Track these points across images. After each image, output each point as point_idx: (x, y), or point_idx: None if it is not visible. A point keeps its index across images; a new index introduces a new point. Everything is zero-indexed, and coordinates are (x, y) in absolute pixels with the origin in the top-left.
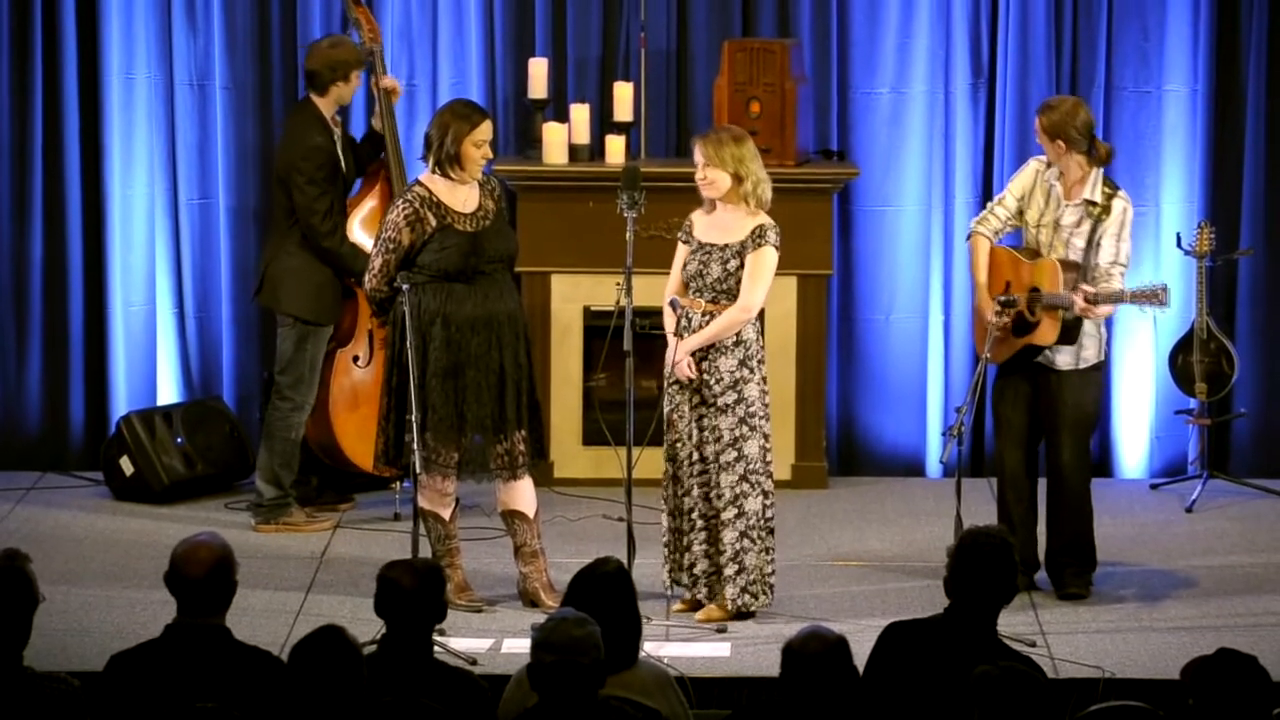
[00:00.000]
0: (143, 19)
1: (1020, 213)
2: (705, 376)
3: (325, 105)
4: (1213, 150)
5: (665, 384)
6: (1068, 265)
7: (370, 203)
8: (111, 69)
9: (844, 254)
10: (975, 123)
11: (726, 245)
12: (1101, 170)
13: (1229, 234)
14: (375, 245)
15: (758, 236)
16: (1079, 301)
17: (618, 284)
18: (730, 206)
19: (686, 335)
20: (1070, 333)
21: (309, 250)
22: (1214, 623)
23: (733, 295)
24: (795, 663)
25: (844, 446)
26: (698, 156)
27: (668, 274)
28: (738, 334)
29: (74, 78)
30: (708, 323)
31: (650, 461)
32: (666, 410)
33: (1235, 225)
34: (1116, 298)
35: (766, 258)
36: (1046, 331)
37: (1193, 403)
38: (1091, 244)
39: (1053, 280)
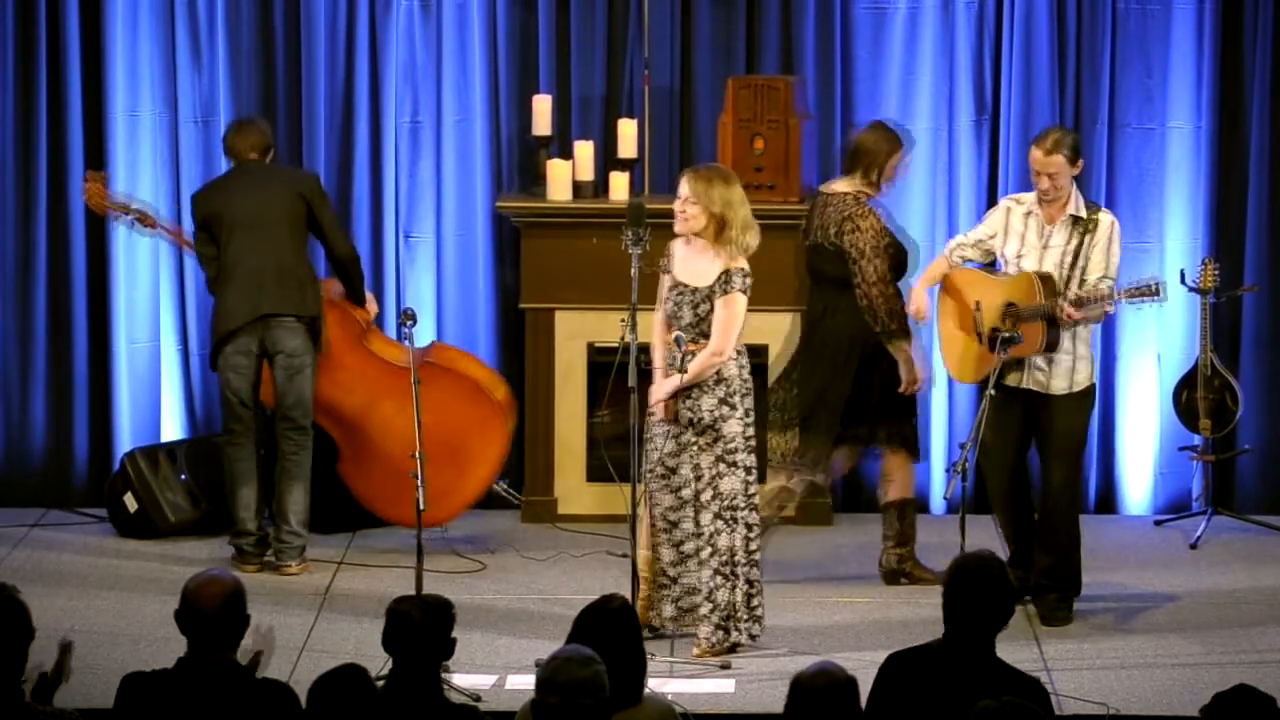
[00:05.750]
0: (147, 56)
1: (978, 245)
2: (689, 414)
3: None
4: (1216, 187)
5: (654, 426)
6: (1044, 277)
7: None
8: (116, 106)
9: None
10: (979, 159)
11: (696, 289)
12: (1076, 190)
13: (1233, 270)
14: (869, 257)
15: (725, 282)
16: (1064, 305)
17: (622, 320)
18: (704, 245)
19: (673, 373)
20: (1054, 341)
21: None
22: (1219, 659)
23: (708, 336)
24: (801, 697)
25: (849, 483)
26: (684, 189)
27: None
28: (719, 372)
29: (79, 114)
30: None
31: None
32: (649, 447)
33: (1239, 261)
34: (1106, 297)
35: (736, 303)
36: (1031, 342)
37: (1197, 439)
38: (1078, 258)
39: (1029, 293)
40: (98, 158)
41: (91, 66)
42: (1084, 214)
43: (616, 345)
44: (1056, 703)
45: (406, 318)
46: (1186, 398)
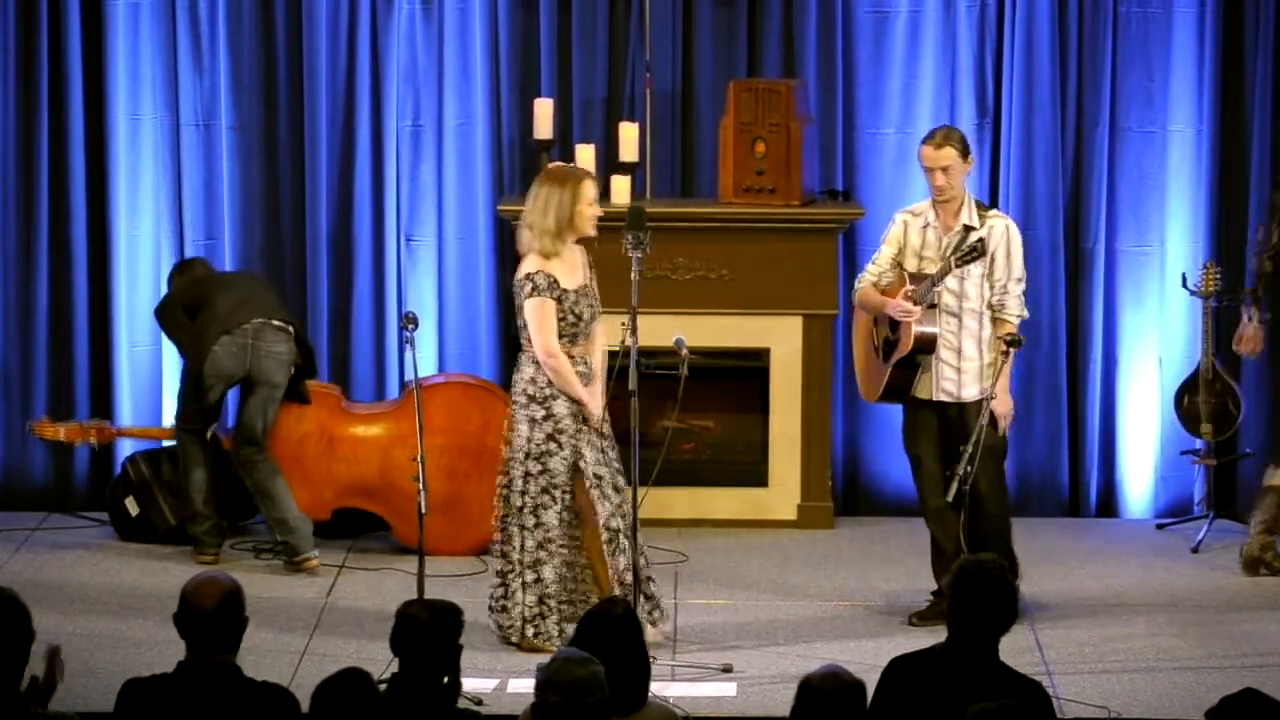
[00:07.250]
0: (149, 60)
1: (897, 262)
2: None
3: None
4: (1218, 190)
5: (579, 441)
6: (916, 278)
7: None
8: (118, 110)
9: (849, 294)
10: (980, 163)
11: (592, 282)
12: (971, 195)
13: (1234, 273)
14: None
15: (588, 262)
16: (900, 302)
17: (623, 324)
18: (574, 244)
19: (593, 382)
20: (926, 341)
21: None
22: (1220, 663)
23: None
24: (809, 699)
25: (849, 486)
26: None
27: (673, 313)
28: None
29: (80, 118)
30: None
31: (656, 502)
32: (586, 465)
33: (1240, 265)
34: (931, 281)
35: None
36: (905, 342)
37: (1198, 443)
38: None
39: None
40: (99, 160)
41: (93, 69)
42: (976, 224)
43: (618, 349)
44: (1058, 706)
45: (408, 321)
46: (1188, 401)
